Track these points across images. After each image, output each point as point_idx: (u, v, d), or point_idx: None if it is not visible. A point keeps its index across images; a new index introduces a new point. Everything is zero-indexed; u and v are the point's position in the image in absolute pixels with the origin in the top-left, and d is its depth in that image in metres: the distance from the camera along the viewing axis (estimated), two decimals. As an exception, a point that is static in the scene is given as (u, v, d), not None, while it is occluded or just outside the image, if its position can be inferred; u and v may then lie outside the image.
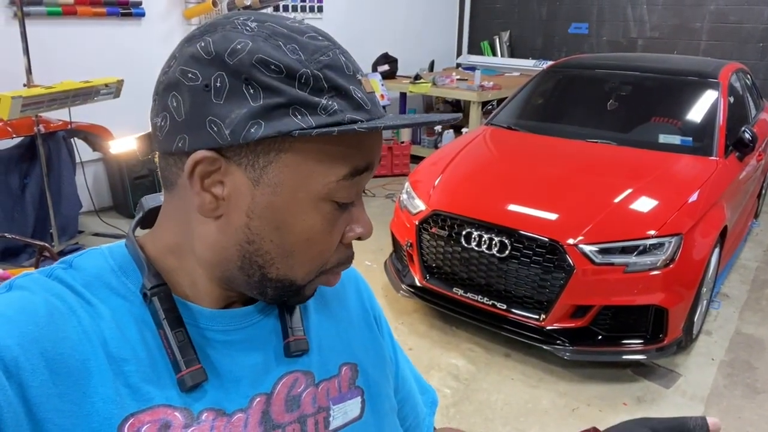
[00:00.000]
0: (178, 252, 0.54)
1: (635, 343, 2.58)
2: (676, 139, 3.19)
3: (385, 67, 6.27)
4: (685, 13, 6.56)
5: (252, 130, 0.47)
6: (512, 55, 7.84)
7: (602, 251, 2.48)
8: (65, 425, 0.45)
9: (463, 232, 2.73)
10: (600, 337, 2.58)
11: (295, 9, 5.61)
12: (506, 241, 2.62)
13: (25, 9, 3.63)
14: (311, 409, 0.57)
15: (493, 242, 2.64)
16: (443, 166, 3.18)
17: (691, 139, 3.20)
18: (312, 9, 5.78)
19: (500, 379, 2.63)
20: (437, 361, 2.74)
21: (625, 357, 2.60)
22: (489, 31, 8.00)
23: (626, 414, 2.42)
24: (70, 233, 3.74)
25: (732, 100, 3.48)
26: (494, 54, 7.88)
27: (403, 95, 6.34)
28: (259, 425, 0.53)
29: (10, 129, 3.34)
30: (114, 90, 3.54)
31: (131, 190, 4.29)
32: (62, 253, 3.50)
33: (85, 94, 3.37)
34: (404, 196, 3.13)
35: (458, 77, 6.26)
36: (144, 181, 4.35)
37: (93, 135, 3.86)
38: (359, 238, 0.54)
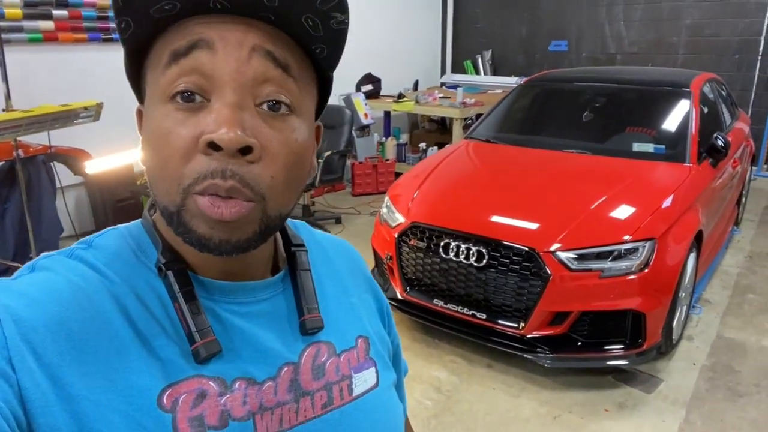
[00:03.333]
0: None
1: (615, 348, 2.58)
2: (649, 147, 3.24)
3: (369, 87, 6.34)
4: (662, 28, 6.70)
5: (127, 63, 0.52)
6: (495, 73, 7.95)
7: (578, 257, 2.50)
8: (101, 400, 0.46)
9: (441, 243, 2.74)
10: (579, 343, 2.58)
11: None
12: (483, 250, 2.63)
13: (5, 36, 3.67)
14: (335, 377, 0.58)
15: (471, 252, 2.66)
16: (422, 179, 3.20)
17: (664, 146, 3.24)
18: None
19: (482, 389, 2.62)
20: (419, 373, 2.72)
21: (605, 363, 2.60)
22: (471, 51, 8.12)
23: (608, 420, 2.41)
24: (51, 257, 3.72)
25: (705, 108, 3.54)
26: (477, 72, 7.99)
27: (387, 114, 6.40)
28: (288, 392, 0.54)
29: (-11, 153, 3.34)
30: (93, 113, 3.55)
31: (113, 214, 4.29)
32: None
33: (65, 118, 3.38)
34: (384, 210, 3.14)
35: (441, 95, 6.34)
36: (126, 204, 4.34)
37: (73, 158, 3.87)
38: (214, 144, 0.46)
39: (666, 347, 2.77)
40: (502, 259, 2.59)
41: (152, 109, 0.50)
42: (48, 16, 3.98)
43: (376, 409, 0.61)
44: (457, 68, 8.27)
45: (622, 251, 2.52)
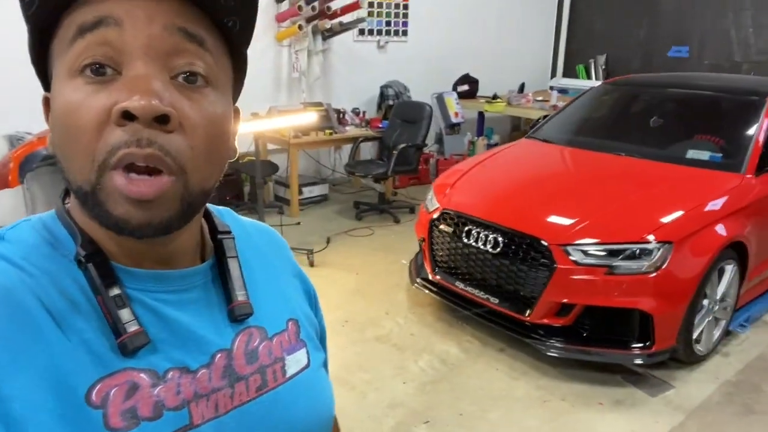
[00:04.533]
0: (82, 211, 0.52)
1: (620, 346, 2.61)
2: (704, 155, 3.14)
3: (465, 87, 6.53)
4: (796, 35, 6.10)
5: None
6: (608, 78, 7.70)
7: (586, 252, 2.57)
8: (31, 400, 0.44)
9: (465, 229, 2.94)
10: (585, 336, 2.64)
11: (380, 33, 6.09)
12: (500, 238, 2.79)
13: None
14: (268, 360, 0.59)
15: (489, 239, 2.82)
16: (465, 170, 3.40)
17: (720, 155, 3.12)
18: (397, 33, 6.23)
19: (485, 368, 2.78)
20: (432, 346, 2.95)
21: (608, 359, 2.63)
22: (585, 55, 7.93)
23: (597, 413, 2.46)
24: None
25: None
26: (589, 77, 7.80)
27: (481, 114, 6.54)
28: (223, 378, 0.54)
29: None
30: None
31: (216, 188, 4.95)
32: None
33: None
34: (428, 197, 3.39)
35: (539, 98, 6.36)
36: (229, 180, 4.99)
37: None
38: (128, 113, 0.44)
39: (686, 356, 2.73)
40: (515, 248, 2.74)
41: (60, 86, 0.48)
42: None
43: (309, 388, 0.62)
44: (570, 73, 8.13)
45: (637, 251, 2.54)
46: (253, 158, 5.16)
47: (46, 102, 0.52)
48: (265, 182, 5.10)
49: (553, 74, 8.26)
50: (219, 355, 0.55)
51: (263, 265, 0.65)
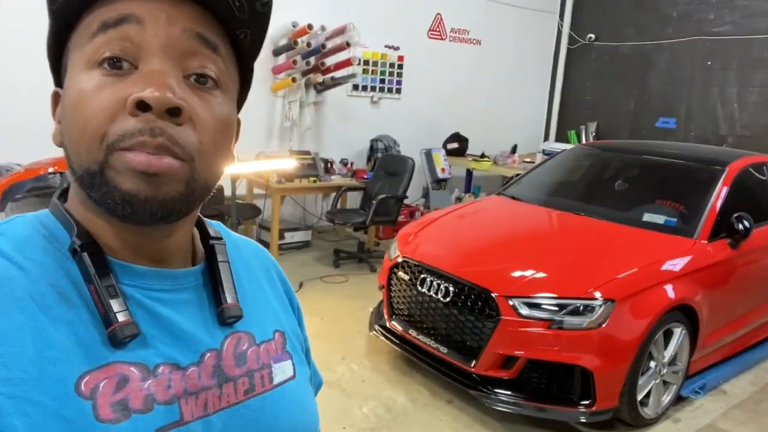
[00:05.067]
0: (84, 203, 0.53)
1: (563, 403, 2.60)
2: (660, 219, 3.21)
3: (455, 145, 6.72)
4: (779, 113, 6.27)
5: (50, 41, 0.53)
6: (598, 145, 7.88)
7: (530, 305, 2.61)
8: (17, 393, 0.44)
9: (420, 278, 3.00)
10: (530, 391, 2.64)
11: (374, 89, 6.33)
12: (451, 287, 2.84)
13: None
14: (256, 365, 0.59)
15: (440, 288, 2.88)
16: (430, 221, 3.49)
17: (675, 219, 3.20)
18: (390, 90, 6.48)
19: (429, 419, 2.77)
20: (380, 394, 2.95)
21: (549, 415, 2.62)
22: (577, 121, 8.15)
23: (533, 469, 2.44)
24: None
25: (745, 191, 3.41)
26: (579, 143, 7.98)
27: (469, 172, 6.69)
28: (212, 377, 0.55)
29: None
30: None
31: (200, 226, 5.07)
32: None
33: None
34: (392, 246, 3.46)
35: (526, 159, 6.51)
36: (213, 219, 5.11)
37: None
38: (142, 103, 0.47)
39: (632, 418, 2.71)
40: (464, 298, 2.78)
41: (76, 76, 0.50)
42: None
43: (295, 399, 0.62)
44: (561, 137, 8.33)
45: (580, 307, 2.58)
46: (239, 202, 5.31)
47: (56, 97, 0.55)
48: (240, 224, 5.20)
49: (546, 138, 8.47)
50: (209, 355, 0.55)
51: (251, 277, 0.66)
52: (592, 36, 7.85)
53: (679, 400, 3.05)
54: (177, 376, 0.52)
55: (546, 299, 2.61)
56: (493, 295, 2.67)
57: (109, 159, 0.48)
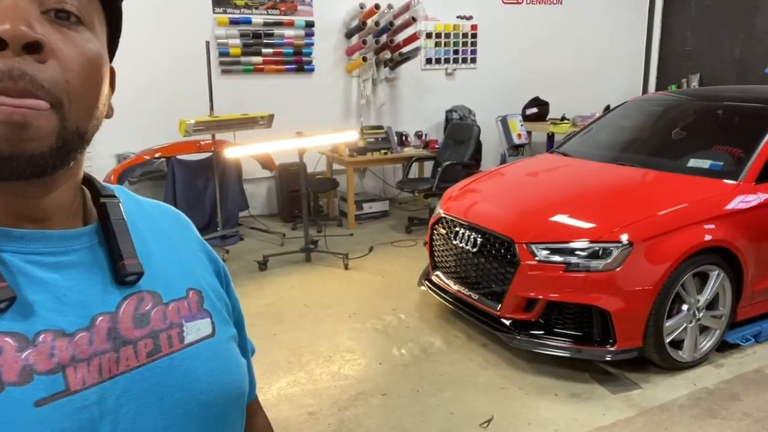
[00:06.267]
0: None
1: (575, 340, 2.70)
2: (705, 163, 3.10)
3: (534, 110, 6.66)
4: None
5: None
6: (701, 98, 7.33)
7: (547, 250, 2.72)
8: None
9: (454, 231, 3.20)
10: (543, 331, 2.77)
11: (447, 61, 6.47)
12: (478, 238, 3.02)
13: (225, 68, 5.29)
14: (162, 325, 0.55)
15: (470, 239, 3.06)
16: (474, 180, 3.65)
17: (721, 163, 3.07)
18: (465, 60, 6.57)
19: (460, 359, 2.99)
20: (419, 337, 3.21)
21: (569, 353, 2.72)
22: (678, 75, 7.64)
23: (549, 401, 2.58)
24: (231, 223, 5.17)
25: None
26: (680, 98, 7.49)
27: (550, 136, 6.61)
28: (106, 341, 0.51)
29: (198, 146, 4.91)
30: (267, 122, 4.88)
31: (287, 201, 5.61)
32: (224, 237, 4.91)
33: (244, 123, 4.76)
34: (437, 206, 3.68)
35: (610, 119, 6.30)
36: (297, 194, 5.63)
37: (262, 157, 5.30)
38: None
39: (662, 360, 2.73)
40: (489, 247, 2.95)
41: None
42: (258, 53, 5.52)
43: (213, 358, 0.58)
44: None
45: (599, 250, 2.65)
46: (320, 176, 5.78)
47: None
48: (317, 198, 5.65)
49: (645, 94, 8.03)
50: (101, 318, 0.51)
51: (160, 238, 0.63)
52: (690, -19, 7.29)
53: (729, 346, 2.97)
54: (62, 343, 0.48)
55: (559, 244, 2.71)
56: (514, 242, 2.81)
57: None
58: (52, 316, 0.49)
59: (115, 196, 0.60)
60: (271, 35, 5.55)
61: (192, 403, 0.54)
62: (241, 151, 4.21)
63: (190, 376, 0.55)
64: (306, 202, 4.53)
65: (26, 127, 0.44)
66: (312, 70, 5.80)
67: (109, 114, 0.55)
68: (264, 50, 5.55)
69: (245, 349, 0.72)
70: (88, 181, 0.60)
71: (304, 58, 5.75)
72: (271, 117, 4.87)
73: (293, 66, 5.72)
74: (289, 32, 5.63)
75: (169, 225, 0.66)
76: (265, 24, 5.50)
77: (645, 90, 8.03)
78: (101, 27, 0.53)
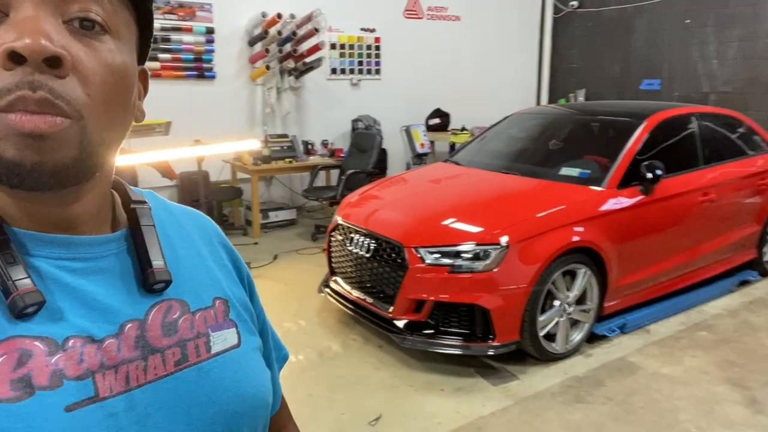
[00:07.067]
0: None
1: (462, 338, 2.89)
2: (575, 172, 3.42)
3: (436, 121, 6.96)
4: (758, 67, 6.26)
5: None
6: (587, 111, 7.96)
7: (433, 253, 2.89)
8: None
9: (350, 237, 3.31)
10: (433, 330, 2.94)
11: (352, 71, 6.62)
12: (372, 244, 3.14)
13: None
14: (190, 334, 0.55)
15: (364, 244, 3.19)
16: (371, 188, 3.79)
17: (589, 171, 3.40)
18: (369, 71, 6.75)
19: (356, 361, 3.09)
20: (317, 343, 3.29)
21: (452, 350, 2.90)
22: (566, 90, 8.24)
23: (435, 396, 2.74)
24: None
25: (666, 142, 3.58)
26: (569, 111, 8.08)
27: (452, 146, 6.92)
28: (135, 349, 0.51)
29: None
30: (164, 129, 4.77)
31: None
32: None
33: (139, 130, 4.63)
34: (335, 214, 3.79)
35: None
36: (197, 204, 5.53)
37: (161, 167, 5.17)
38: (15, 55, 0.42)
39: (537, 352, 2.97)
40: (381, 252, 3.09)
41: None
42: (155, 59, 5.39)
43: (239, 368, 0.58)
44: (553, 107, 8.43)
45: (481, 252, 2.85)
46: (224, 185, 5.72)
47: None
48: (221, 207, 5.61)
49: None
50: (129, 326, 0.51)
51: (188, 245, 0.62)
52: (575, 3, 7.90)
53: (598, 337, 3.28)
54: (91, 350, 0.48)
55: (444, 247, 2.89)
56: (403, 246, 2.96)
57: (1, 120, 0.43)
58: (81, 322, 0.49)
59: (145, 202, 0.60)
60: (168, 40, 5.44)
61: (218, 413, 0.55)
62: (133, 158, 4.11)
63: (216, 386, 0.55)
64: (206, 211, 4.48)
65: (47, 139, 0.44)
66: (213, 77, 5.73)
67: (140, 118, 0.56)
68: (161, 55, 5.43)
69: (270, 358, 0.71)
70: (118, 185, 0.60)
71: (205, 65, 5.68)
72: (168, 124, 4.77)
73: (194, 72, 5.62)
74: (188, 38, 5.54)
75: (197, 232, 0.66)
76: (163, 29, 5.38)
77: (538, 103, 8.59)
78: (129, 31, 0.52)
